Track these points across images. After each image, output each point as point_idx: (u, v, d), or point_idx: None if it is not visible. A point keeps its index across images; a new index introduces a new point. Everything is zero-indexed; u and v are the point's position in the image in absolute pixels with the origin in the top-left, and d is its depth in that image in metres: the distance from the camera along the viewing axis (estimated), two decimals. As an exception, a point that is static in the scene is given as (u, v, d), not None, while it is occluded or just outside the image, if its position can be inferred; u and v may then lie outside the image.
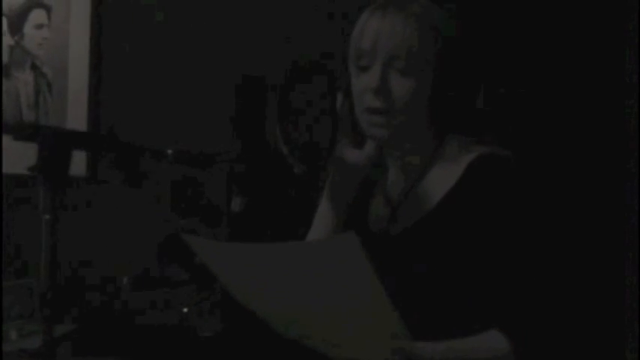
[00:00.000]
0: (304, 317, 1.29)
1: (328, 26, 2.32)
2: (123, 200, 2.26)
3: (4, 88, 2.59)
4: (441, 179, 1.50)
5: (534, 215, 1.45)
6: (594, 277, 2.12)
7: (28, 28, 2.61)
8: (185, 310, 1.97)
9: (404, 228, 1.50)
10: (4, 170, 2.34)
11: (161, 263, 1.93)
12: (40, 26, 2.61)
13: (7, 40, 2.60)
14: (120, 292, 1.73)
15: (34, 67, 2.60)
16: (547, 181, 2.15)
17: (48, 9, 2.61)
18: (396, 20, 1.44)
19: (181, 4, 2.52)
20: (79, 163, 2.49)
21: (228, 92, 2.07)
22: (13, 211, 2.43)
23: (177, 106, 2.46)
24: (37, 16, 2.61)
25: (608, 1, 2.18)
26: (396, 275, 1.45)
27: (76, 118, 2.57)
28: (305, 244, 1.23)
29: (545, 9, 2.23)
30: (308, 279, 1.20)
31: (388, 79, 1.45)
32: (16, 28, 2.61)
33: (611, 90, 2.16)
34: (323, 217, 1.57)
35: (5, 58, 2.61)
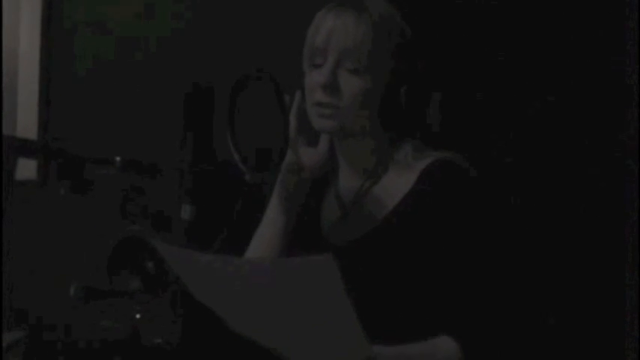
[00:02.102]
0: (270, 328, 1.29)
1: (276, 31, 2.33)
2: (72, 206, 2.25)
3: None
4: (395, 185, 1.51)
5: (486, 223, 1.47)
6: (594, 278, 2.14)
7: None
8: (138, 316, 1.96)
9: (359, 235, 1.51)
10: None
11: (112, 270, 1.91)
12: (-11, 29, 2.56)
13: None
14: (69, 301, 1.72)
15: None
16: (539, 184, 2.17)
17: (-3, 12, 2.57)
18: (349, 19, 1.46)
19: (132, 11, 2.51)
20: (29, 166, 2.46)
21: (178, 101, 2.07)
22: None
23: (128, 114, 2.45)
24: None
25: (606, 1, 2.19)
26: (350, 282, 1.46)
27: (27, 124, 2.53)
28: (280, 262, 1.26)
29: (544, 10, 2.24)
30: (279, 295, 1.21)
31: (338, 77, 1.47)
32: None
33: (611, 91, 2.17)
34: (273, 220, 1.57)
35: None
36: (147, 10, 2.49)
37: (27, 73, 2.55)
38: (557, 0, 2.22)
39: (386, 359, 1.32)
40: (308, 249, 1.55)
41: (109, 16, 2.51)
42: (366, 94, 1.47)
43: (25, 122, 2.54)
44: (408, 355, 1.38)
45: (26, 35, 2.55)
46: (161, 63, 2.45)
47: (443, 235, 1.44)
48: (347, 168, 1.58)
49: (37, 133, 2.53)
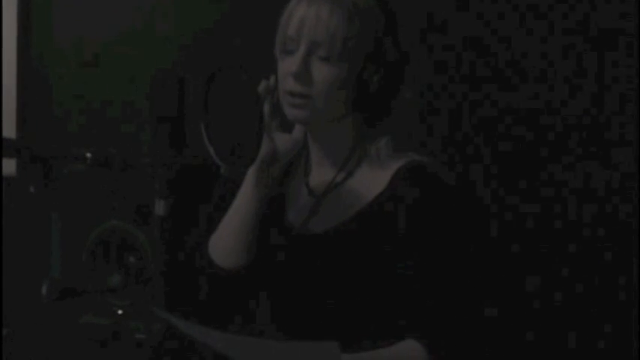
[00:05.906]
0: None
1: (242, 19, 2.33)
2: (47, 203, 2.24)
3: None
4: (368, 182, 1.50)
5: (454, 229, 1.47)
6: (592, 280, 2.13)
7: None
8: (120, 312, 1.95)
9: (327, 227, 1.50)
10: None
11: (92, 265, 1.90)
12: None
13: None
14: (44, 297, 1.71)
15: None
16: (537, 184, 2.16)
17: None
18: (322, 7, 1.45)
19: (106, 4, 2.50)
20: (9, 163, 2.45)
21: (150, 94, 2.07)
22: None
23: (103, 109, 2.46)
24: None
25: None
26: (313, 274, 1.46)
27: (5, 122, 2.52)
28: (286, 345, 1.31)
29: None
30: None
31: (310, 65, 1.45)
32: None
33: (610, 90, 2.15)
34: (244, 204, 1.54)
35: None
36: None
37: (5, 72, 2.54)
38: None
39: None
40: (272, 235, 1.54)
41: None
42: (338, 82, 1.45)
43: (4, 121, 2.53)
44: None
45: (3, 30, 2.53)
46: (133, 56, 2.46)
47: (411, 239, 1.43)
48: (319, 157, 1.57)
49: (16, 131, 2.52)
